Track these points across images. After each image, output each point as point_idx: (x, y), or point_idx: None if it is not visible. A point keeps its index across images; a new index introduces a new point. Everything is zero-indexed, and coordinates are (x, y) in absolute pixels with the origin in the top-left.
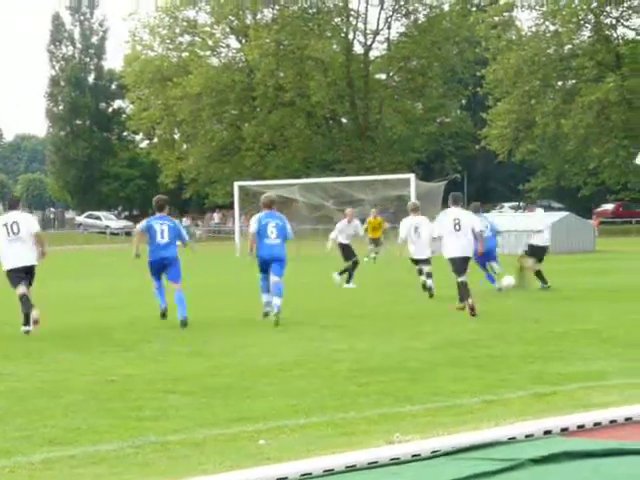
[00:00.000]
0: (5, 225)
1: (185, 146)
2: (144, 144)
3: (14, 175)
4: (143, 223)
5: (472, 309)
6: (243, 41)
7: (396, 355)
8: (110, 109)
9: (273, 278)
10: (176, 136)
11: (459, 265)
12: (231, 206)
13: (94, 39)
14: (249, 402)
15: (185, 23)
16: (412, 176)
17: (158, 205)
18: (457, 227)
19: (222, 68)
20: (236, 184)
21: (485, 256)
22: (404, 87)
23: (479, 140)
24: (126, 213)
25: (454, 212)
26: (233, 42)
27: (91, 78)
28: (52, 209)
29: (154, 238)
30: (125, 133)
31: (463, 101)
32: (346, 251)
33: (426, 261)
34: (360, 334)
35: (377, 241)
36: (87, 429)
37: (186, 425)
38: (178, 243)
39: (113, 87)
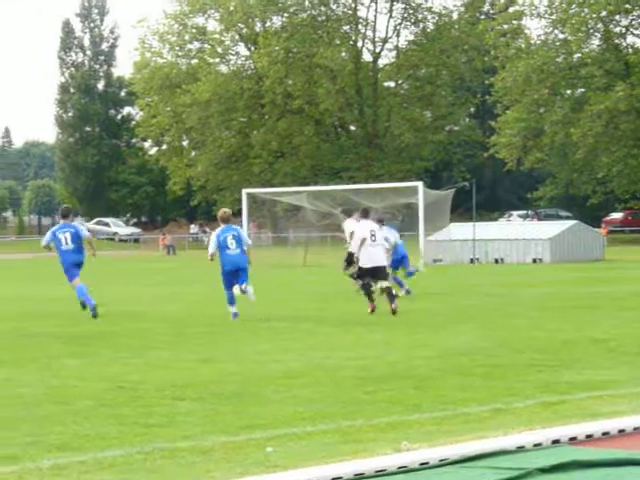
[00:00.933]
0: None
1: (194, 153)
2: (153, 151)
3: (23, 181)
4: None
5: (372, 310)
6: (252, 48)
7: (402, 363)
8: (119, 116)
9: (240, 288)
10: (185, 143)
11: (380, 273)
12: (239, 213)
13: (104, 46)
14: (257, 409)
15: (194, 30)
16: (420, 184)
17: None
18: (373, 238)
19: (231, 75)
20: (244, 191)
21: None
22: (413, 95)
23: (488, 148)
24: (135, 220)
25: (368, 224)
26: (242, 49)
27: (101, 85)
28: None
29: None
30: (134, 140)
31: (472, 109)
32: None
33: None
34: (366, 342)
35: None
36: (96, 435)
37: (194, 432)
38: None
39: (122, 94)
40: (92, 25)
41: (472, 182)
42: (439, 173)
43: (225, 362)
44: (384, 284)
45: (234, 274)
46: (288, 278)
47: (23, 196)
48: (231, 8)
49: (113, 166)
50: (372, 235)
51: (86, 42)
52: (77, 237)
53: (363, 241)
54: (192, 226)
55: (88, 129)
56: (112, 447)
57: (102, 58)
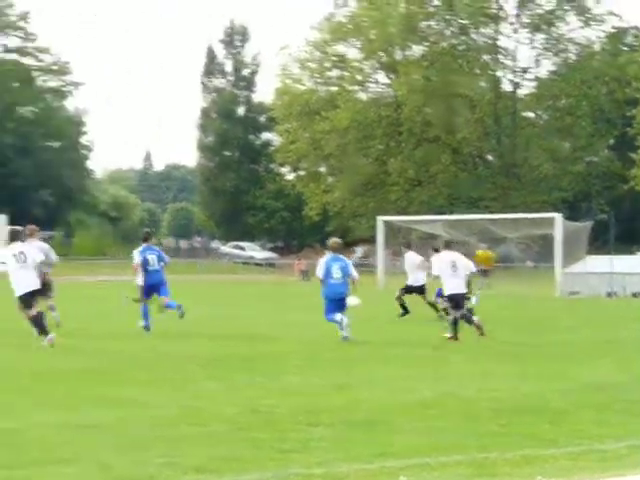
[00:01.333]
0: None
1: (331, 179)
2: (290, 176)
3: (162, 204)
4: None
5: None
6: (392, 76)
7: (537, 395)
8: (258, 141)
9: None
10: (322, 169)
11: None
12: (374, 240)
13: (245, 72)
14: (389, 437)
15: (335, 58)
16: (558, 215)
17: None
18: (454, 267)
19: (370, 103)
20: (380, 218)
21: None
22: (552, 125)
23: (627, 180)
24: (271, 245)
25: (450, 254)
26: (382, 77)
27: (241, 110)
28: (198, 238)
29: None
30: (272, 165)
31: (611, 141)
32: None
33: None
34: (499, 372)
35: (486, 272)
36: (231, 458)
37: (328, 458)
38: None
39: (262, 119)
40: (234, 51)
41: (610, 214)
42: (577, 204)
43: (357, 389)
44: (460, 312)
45: (337, 302)
46: (419, 305)
47: (162, 218)
48: (372, 36)
49: (251, 191)
50: (453, 265)
51: (228, 68)
52: (160, 259)
53: (443, 271)
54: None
55: (228, 153)
56: (248, 471)
57: (243, 84)
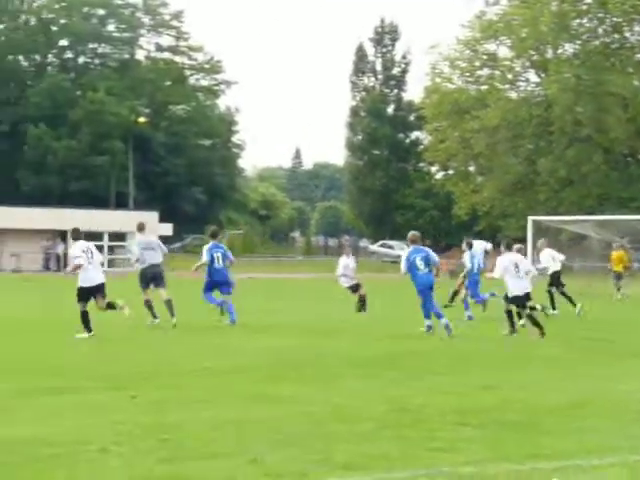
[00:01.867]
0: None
1: (480, 179)
2: (439, 175)
3: (311, 202)
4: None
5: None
6: (542, 75)
7: None
8: (408, 140)
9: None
10: (471, 168)
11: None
12: (524, 240)
13: (395, 70)
14: (540, 439)
15: (485, 56)
16: None
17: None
18: (517, 269)
19: (520, 102)
20: (530, 218)
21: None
22: None
23: None
24: None
25: (512, 256)
26: (532, 76)
27: (390, 109)
28: (346, 237)
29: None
30: (421, 164)
31: None
32: None
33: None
34: None
35: (619, 275)
36: (379, 456)
37: (477, 458)
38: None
39: (411, 118)
40: (384, 50)
41: None
42: None
43: (506, 389)
44: (525, 312)
45: (428, 292)
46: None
47: (311, 217)
48: (523, 35)
49: (400, 189)
50: (516, 267)
51: (378, 66)
52: (225, 257)
53: (506, 273)
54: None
55: (377, 152)
56: (396, 468)
57: (393, 82)
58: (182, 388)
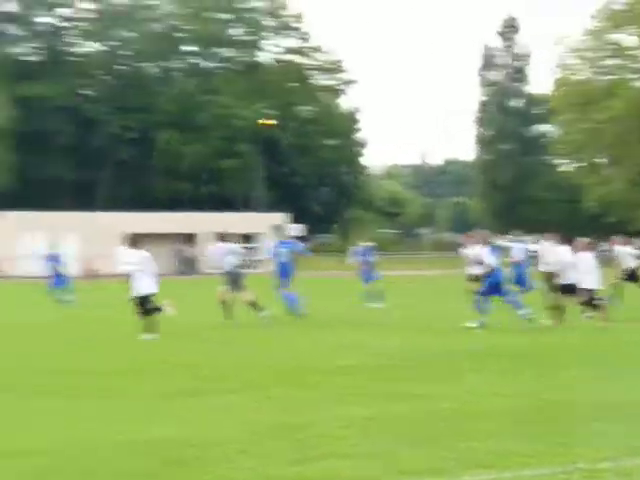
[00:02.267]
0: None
1: (609, 170)
2: (563, 168)
3: (439, 199)
4: None
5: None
6: None
7: None
8: (534, 133)
9: None
10: (600, 160)
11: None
12: None
13: (521, 64)
14: None
15: (612, 46)
16: None
17: None
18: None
19: None
20: None
21: None
22: None
23: None
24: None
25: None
26: None
27: (518, 103)
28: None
29: None
30: (547, 157)
31: None
32: None
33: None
34: None
35: None
36: (513, 452)
37: (614, 454)
38: None
39: (539, 111)
40: (510, 44)
41: None
42: None
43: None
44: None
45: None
46: None
47: (439, 213)
48: None
49: (527, 183)
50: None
51: (505, 60)
52: (290, 251)
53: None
54: (607, 244)
55: (505, 146)
56: (529, 465)
57: (518, 76)
58: (314, 387)
